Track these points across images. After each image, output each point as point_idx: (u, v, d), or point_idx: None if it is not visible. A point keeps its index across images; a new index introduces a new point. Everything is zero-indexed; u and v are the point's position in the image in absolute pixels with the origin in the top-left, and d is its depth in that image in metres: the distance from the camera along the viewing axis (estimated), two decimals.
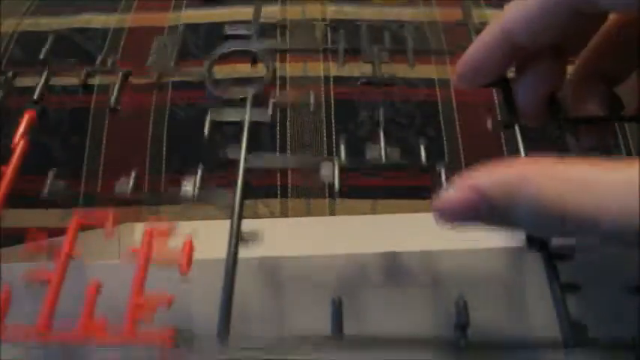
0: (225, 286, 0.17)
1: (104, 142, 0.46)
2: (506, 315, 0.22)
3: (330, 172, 0.20)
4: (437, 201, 0.18)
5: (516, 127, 0.22)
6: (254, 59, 0.24)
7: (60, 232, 0.21)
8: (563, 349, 0.17)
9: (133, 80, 0.24)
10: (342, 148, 0.21)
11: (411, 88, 0.45)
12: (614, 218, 0.15)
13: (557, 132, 0.24)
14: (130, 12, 0.42)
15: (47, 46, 0.24)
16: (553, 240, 0.19)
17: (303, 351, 0.16)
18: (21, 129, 0.21)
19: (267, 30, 0.28)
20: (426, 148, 0.22)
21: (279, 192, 0.45)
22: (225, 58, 0.24)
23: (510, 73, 0.24)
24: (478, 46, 0.23)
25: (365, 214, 0.45)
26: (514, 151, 0.49)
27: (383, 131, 0.22)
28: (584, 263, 0.18)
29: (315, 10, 0.48)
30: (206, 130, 0.21)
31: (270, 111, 0.22)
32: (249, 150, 0.20)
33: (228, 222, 0.19)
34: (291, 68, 0.48)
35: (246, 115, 0.22)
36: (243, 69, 0.27)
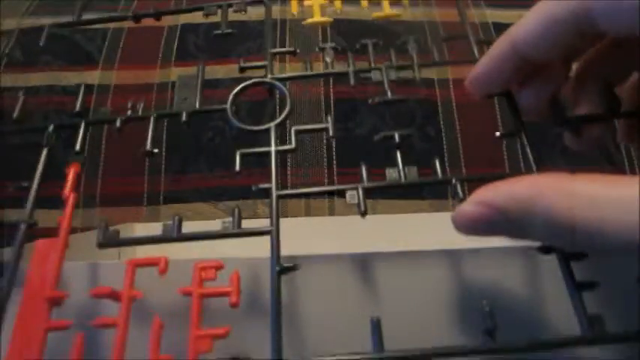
0: (273, 313, 0.18)
1: (103, 142, 0.46)
2: (523, 312, 0.22)
3: (355, 198, 0.22)
4: (454, 215, 0.19)
5: (523, 138, 0.22)
6: (270, 90, 0.25)
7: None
8: (586, 345, 0.17)
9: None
10: (364, 173, 0.23)
11: (411, 87, 0.45)
12: (618, 232, 0.16)
13: (558, 131, 0.24)
14: (130, 12, 0.42)
15: (80, 99, 0.26)
16: None
17: None
18: (69, 183, 0.23)
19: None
20: (438, 161, 0.23)
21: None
22: (245, 91, 0.25)
23: None
24: (488, 59, 0.23)
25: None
26: (513, 151, 0.49)
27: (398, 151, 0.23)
28: (598, 261, 0.19)
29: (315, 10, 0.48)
30: (237, 165, 0.22)
31: (293, 140, 0.23)
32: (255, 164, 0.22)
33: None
34: (291, 68, 0.48)
35: (272, 148, 0.23)
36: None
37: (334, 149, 0.46)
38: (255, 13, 0.49)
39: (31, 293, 0.19)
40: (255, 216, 0.44)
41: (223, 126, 0.47)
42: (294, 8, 0.29)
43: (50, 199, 0.23)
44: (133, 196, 0.44)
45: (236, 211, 0.21)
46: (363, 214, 0.21)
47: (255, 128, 0.23)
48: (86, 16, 0.30)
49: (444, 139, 0.46)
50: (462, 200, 0.21)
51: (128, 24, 0.36)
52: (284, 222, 0.20)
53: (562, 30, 0.21)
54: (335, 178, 0.45)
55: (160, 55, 0.52)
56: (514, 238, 0.18)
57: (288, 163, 0.45)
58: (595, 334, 0.17)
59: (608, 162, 0.44)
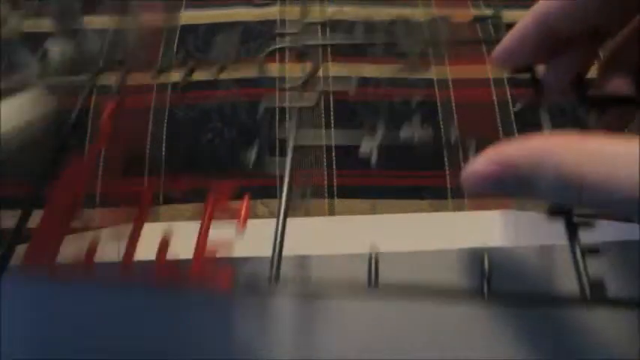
0: (276, 237, 0.20)
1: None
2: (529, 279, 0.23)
3: (369, 148, 0.22)
4: (464, 173, 0.20)
5: (543, 112, 0.23)
6: (301, 54, 0.26)
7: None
8: (582, 306, 0.18)
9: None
10: (382, 126, 0.23)
11: (411, 87, 0.45)
12: (625, 187, 0.16)
13: (581, 110, 0.24)
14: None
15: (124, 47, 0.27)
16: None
17: (342, 295, 0.19)
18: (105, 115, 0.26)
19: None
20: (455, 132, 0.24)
21: (278, 192, 0.45)
22: (275, 53, 0.26)
23: None
24: (515, 32, 0.24)
25: (365, 214, 0.45)
26: None
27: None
28: (604, 228, 0.20)
29: (314, 10, 0.48)
30: (259, 114, 0.24)
31: (315, 97, 0.25)
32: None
33: None
34: (290, 68, 0.48)
35: (295, 104, 0.24)
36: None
37: (334, 150, 0.46)
38: (257, 12, 0.49)
39: (55, 204, 0.21)
40: (255, 216, 0.44)
41: (222, 127, 0.47)
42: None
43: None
44: (132, 196, 0.44)
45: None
46: (375, 164, 0.22)
47: (280, 87, 0.25)
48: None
49: (443, 139, 0.46)
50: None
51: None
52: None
53: None
54: (335, 179, 0.45)
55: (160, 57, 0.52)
56: (522, 196, 0.19)
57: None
58: (595, 297, 0.18)
59: None
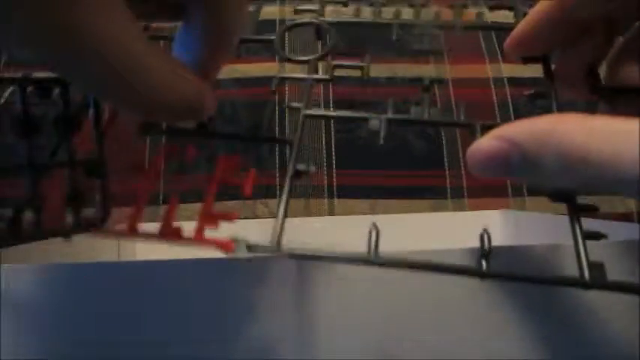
0: (281, 203, 0.20)
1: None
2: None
3: (378, 125, 0.23)
4: (470, 151, 0.19)
5: (554, 99, 0.23)
6: (318, 30, 0.26)
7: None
8: (582, 288, 0.18)
9: None
10: (391, 105, 0.23)
11: (411, 87, 0.45)
12: (631, 165, 0.16)
13: (593, 100, 0.24)
14: None
15: None
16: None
17: (342, 260, 0.20)
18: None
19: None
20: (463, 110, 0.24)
21: (278, 192, 0.45)
22: (294, 28, 0.26)
23: None
24: (529, 19, 0.24)
25: (365, 214, 0.45)
26: None
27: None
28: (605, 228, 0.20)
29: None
30: (273, 85, 0.24)
31: (330, 72, 0.24)
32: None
33: None
34: (290, 68, 0.48)
35: (310, 76, 0.24)
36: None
37: (334, 150, 0.46)
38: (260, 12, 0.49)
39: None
40: (255, 216, 0.44)
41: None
42: None
43: None
44: (132, 196, 0.44)
45: None
46: (383, 141, 0.22)
47: (299, 58, 0.25)
48: None
49: (443, 139, 0.46)
50: None
51: None
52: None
53: None
54: (334, 179, 0.45)
55: None
56: (527, 177, 0.19)
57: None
58: (594, 279, 0.18)
59: None
